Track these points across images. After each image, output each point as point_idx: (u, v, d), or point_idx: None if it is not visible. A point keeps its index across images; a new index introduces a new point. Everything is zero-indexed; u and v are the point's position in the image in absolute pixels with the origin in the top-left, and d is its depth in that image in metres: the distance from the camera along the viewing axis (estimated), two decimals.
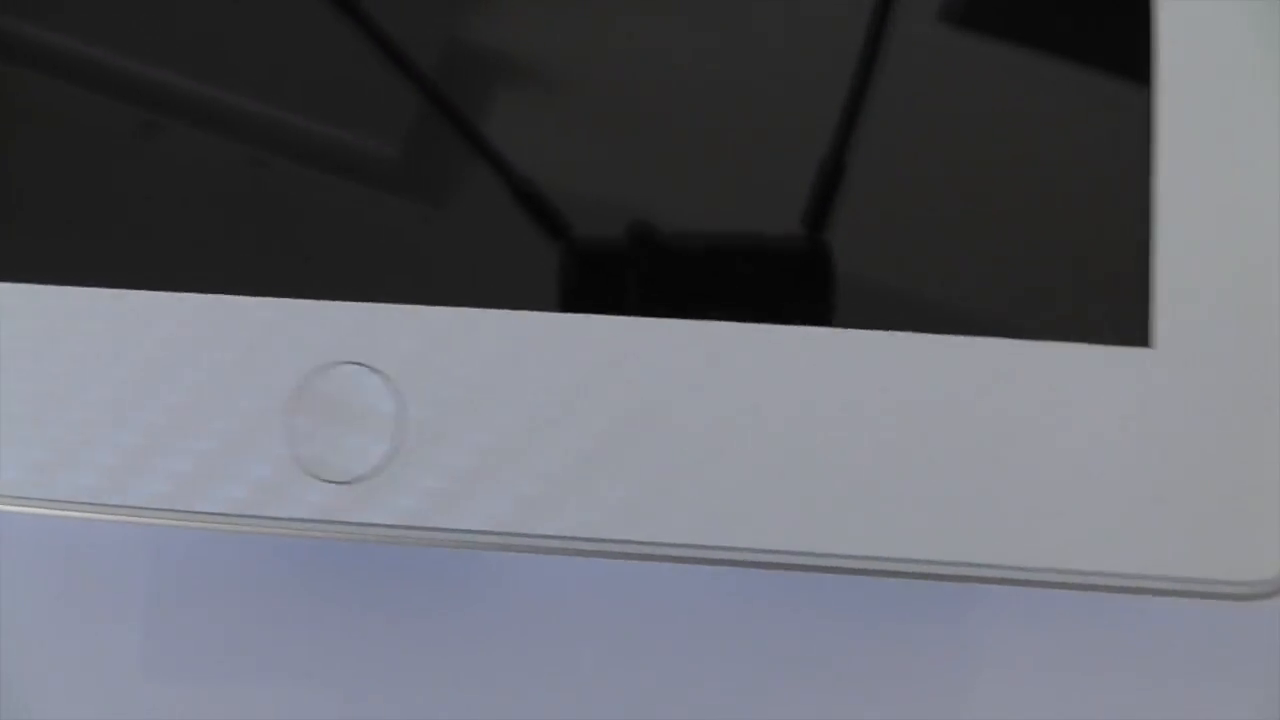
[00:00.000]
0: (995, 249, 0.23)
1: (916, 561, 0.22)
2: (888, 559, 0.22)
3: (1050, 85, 0.24)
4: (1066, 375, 0.23)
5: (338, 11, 0.24)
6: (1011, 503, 0.22)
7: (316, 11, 0.25)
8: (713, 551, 0.22)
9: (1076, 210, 0.23)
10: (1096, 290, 0.23)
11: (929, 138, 0.23)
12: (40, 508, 0.23)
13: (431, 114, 0.24)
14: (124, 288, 0.24)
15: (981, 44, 0.24)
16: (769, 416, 0.22)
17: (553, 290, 0.23)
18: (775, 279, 0.23)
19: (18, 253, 0.24)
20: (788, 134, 0.24)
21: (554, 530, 0.22)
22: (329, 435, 0.23)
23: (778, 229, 0.23)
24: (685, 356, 0.23)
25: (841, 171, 0.23)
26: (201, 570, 0.28)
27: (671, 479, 0.22)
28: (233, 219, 0.24)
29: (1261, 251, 0.22)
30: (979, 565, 0.22)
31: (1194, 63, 0.23)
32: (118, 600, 0.28)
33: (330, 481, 0.23)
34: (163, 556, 0.28)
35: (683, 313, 0.23)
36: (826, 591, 0.27)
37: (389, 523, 0.23)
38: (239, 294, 0.23)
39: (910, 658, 0.26)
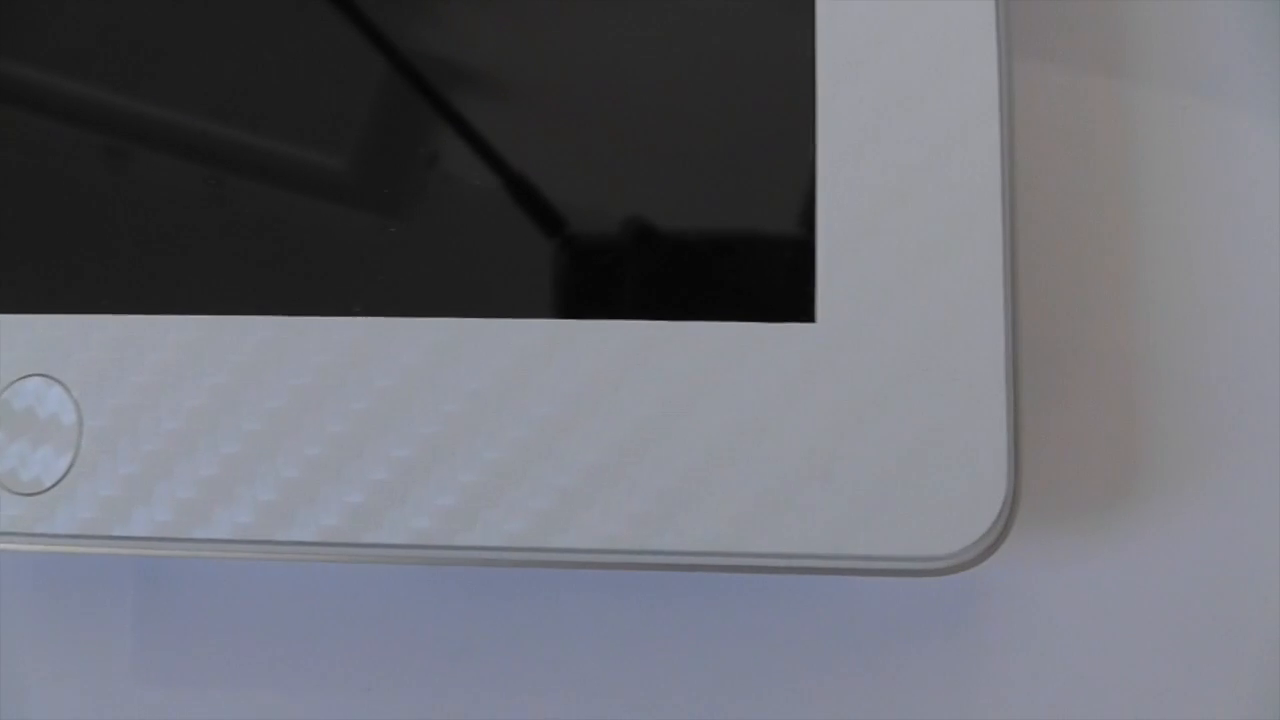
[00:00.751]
0: (663, 231, 0.23)
1: (590, 551, 0.22)
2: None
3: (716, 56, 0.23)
4: (733, 355, 0.22)
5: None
6: (680, 487, 0.22)
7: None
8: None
9: (735, 184, 0.23)
10: (761, 267, 0.22)
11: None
12: None
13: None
14: None
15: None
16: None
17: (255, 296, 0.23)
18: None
19: None
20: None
21: (213, 534, 0.22)
22: (20, 448, 0.23)
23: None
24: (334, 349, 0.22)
25: None
26: None
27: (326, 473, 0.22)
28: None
29: (921, 227, 0.22)
30: (661, 553, 0.22)
31: (853, 53, 0.22)
32: None
33: (22, 494, 0.23)
34: None
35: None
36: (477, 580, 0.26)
37: (70, 533, 0.23)
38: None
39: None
